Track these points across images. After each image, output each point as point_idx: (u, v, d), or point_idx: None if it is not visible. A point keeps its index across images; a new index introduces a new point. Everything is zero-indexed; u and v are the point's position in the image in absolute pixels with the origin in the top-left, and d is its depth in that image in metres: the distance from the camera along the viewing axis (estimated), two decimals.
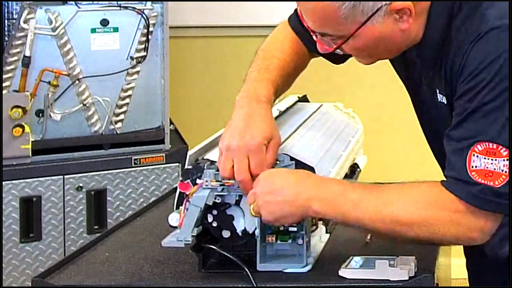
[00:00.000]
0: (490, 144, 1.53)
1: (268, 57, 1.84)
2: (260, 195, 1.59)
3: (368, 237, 1.82)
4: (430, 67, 1.67)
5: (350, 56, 1.88)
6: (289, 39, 1.89)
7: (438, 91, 1.67)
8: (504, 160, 1.53)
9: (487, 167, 1.53)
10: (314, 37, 1.65)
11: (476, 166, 1.53)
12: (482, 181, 1.53)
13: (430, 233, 1.57)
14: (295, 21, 1.89)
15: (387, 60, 1.85)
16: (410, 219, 1.56)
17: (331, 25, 1.58)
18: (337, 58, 1.91)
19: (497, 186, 1.53)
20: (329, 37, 1.61)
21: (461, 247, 1.94)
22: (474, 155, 1.53)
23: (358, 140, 2.09)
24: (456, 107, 1.59)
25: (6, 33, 3.10)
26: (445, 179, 1.59)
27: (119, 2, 3.23)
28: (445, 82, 1.63)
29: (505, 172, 1.53)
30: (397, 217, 1.56)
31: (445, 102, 1.65)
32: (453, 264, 2.20)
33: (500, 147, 1.53)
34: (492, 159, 1.53)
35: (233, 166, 1.62)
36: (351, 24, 1.57)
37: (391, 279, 1.57)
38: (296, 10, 1.90)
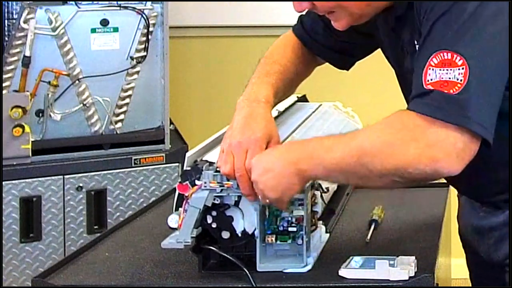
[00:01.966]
0: (444, 53, 1.49)
1: (269, 62, 1.85)
2: (257, 179, 1.58)
3: (368, 237, 1.82)
4: (408, 25, 1.64)
5: (357, 60, 1.88)
6: (292, 45, 1.90)
7: (416, 43, 1.63)
8: (459, 69, 1.48)
9: (442, 78, 1.48)
10: None
11: (431, 79, 1.49)
12: (435, 89, 1.49)
13: (394, 158, 1.50)
14: (299, 28, 1.91)
15: (385, 61, 1.84)
16: (373, 146, 1.51)
17: None
18: (344, 63, 1.91)
19: (452, 93, 1.47)
20: None
21: (461, 246, 1.94)
22: (430, 69, 1.50)
23: None
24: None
25: (6, 33, 3.10)
26: None
27: (119, 2, 3.23)
28: (417, 29, 1.61)
29: (461, 80, 1.47)
30: (361, 146, 1.52)
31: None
32: (453, 264, 2.20)
33: (455, 55, 1.48)
34: (447, 69, 1.48)
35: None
36: None
37: (391, 279, 1.57)
38: (300, 17, 1.92)
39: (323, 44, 1.89)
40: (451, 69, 1.48)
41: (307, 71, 1.93)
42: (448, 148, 1.48)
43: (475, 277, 1.93)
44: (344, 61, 1.92)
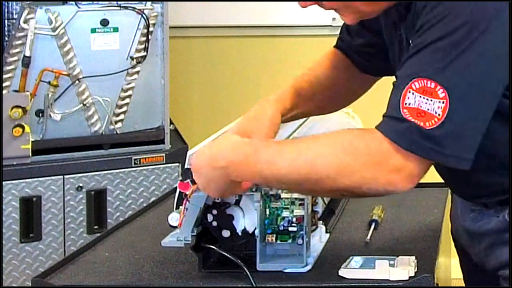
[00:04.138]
0: (428, 82, 1.44)
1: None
2: (196, 178, 1.57)
3: (368, 237, 1.82)
4: (405, 21, 1.61)
5: (373, 65, 1.87)
6: (329, 52, 1.89)
7: (411, 42, 1.59)
8: (440, 102, 1.44)
9: (421, 106, 1.44)
10: None
11: (409, 104, 1.45)
12: (411, 119, 1.44)
13: (349, 179, 1.46)
14: (338, 41, 1.91)
15: None
16: (329, 166, 1.46)
17: None
18: (363, 64, 1.89)
19: (427, 128, 1.44)
20: None
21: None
22: (409, 91, 1.45)
23: None
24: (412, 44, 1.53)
25: (6, 33, 3.10)
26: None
27: (119, 2, 3.23)
28: (414, 27, 1.56)
29: (439, 115, 1.44)
30: (313, 165, 1.46)
31: None
32: (453, 264, 2.19)
33: (438, 87, 1.44)
34: (427, 99, 1.44)
35: None
36: None
37: (391, 279, 1.57)
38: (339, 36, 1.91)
39: (349, 43, 1.88)
40: (431, 100, 1.44)
41: (344, 78, 1.89)
42: (406, 173, 1.47)
43: (469, 280, 1.92)
44: (363, 63, 1.89)
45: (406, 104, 1.45)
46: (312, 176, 1.47)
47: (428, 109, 1.44)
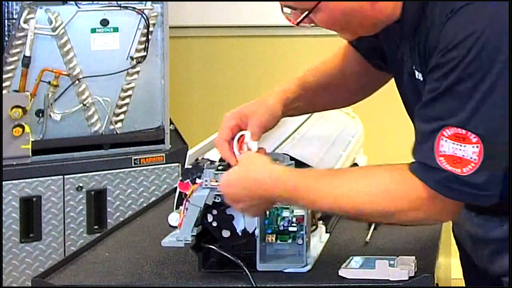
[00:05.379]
0: (459, 129, 1.46)
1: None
2: (230, 203, 1.61)
3: (368, 237, 1.82)
4: (408, 43, 1.60)
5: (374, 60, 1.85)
6: (341, 47, 1.89)
7: (414, 67, 1.60)
8: (473, 146, 1.45)
9: (456, 153, 1.46)
10: (282, 13, 1.60)
11: (444, 151, 1.46)
12: (449, 168, 1.46)
13: (392, 219, 1.55)
14: None
15: None
16: (370, 211, 1.53)
17: None
18: (370, 59, 1.88)
19: (464, 174, 1.46)
20: (296, 10, 1.56)
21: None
22: (442, 139, 1.47)
23: (358, 140, 2.09)
24: (427, 83, 1.52)
25: (6, 33, 3.10)
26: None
27: (119, 2, 3.23)
28: (420, 58, 1.57)
29: (475, 159, 1.45)
30: (357, 208, 1.53)
31: (421, 79, 1.58)
32: (453, 264, 2.20)
33: (470, 133, 1.45)
34: (461, 145, 1.46)
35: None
36: None
37: (391, 279, 1.57)
38: None
39: (358, 44, 1.85)
40: (464, 146, 1.46)
41: (354, 69, 1.87)
42: (447, 212, 1.53)
43: (469, 278, 1.92)
44: (375, 61, 1.86)
45: (441, 152, 1.47)
46: (356, 215, 1.57)
47: (463, 155, 1.46)
